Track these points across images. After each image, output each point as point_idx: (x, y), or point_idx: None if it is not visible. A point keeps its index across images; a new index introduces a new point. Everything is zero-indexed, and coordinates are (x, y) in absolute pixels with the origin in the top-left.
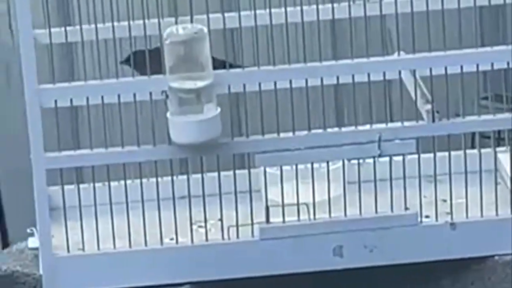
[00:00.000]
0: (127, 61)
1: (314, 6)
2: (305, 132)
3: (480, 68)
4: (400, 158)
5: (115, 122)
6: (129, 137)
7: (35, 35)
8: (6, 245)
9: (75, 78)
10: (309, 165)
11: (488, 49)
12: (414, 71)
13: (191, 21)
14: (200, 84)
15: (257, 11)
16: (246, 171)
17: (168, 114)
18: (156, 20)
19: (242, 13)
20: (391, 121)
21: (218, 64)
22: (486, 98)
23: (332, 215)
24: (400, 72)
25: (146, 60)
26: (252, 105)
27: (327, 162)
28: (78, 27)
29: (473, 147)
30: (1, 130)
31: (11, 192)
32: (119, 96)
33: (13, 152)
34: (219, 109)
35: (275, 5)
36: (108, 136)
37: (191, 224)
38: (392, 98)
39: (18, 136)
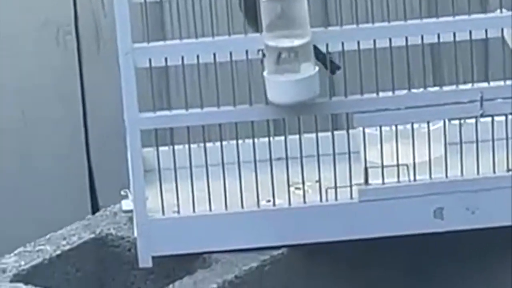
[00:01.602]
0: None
1: None
2: (405, 92)
3: None
4: (502, 118)
5: (210, 81)
6: (224, 97)
7: None
8: (96, 208)
9: (165, 37)
10: (409, 126)
11: None
12: None
13: None
14: (297, 42)
15: None
16: (344, 131)
17: (264, 73)
18: None
19: None
20: (492, 80)
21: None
22: None
23: (433, 176)
24: (502, 30)
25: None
26: (350, 64)
27: (428, 122)
28: None
29: None
30: (90, 94)
31: (100, 155)
32: (214, 55)
33: (102, 115)
34: (317, 68)
35: None
36: (204, 96)
37: (288, 186)
38: (493, 57)
39: (105, 98)
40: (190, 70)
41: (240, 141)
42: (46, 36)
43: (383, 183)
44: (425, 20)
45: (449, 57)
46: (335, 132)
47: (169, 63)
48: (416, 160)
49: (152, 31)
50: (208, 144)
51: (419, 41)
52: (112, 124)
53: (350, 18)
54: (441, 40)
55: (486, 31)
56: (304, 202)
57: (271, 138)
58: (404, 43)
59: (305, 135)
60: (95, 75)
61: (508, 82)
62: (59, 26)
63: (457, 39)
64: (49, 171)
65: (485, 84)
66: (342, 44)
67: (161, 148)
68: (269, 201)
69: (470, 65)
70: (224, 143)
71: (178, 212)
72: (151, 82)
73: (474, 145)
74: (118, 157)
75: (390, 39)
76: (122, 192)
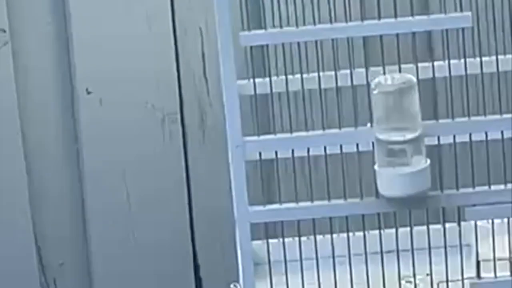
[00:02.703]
0: None
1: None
2: None
3: None
4: None
5: (319, 174)
6: (335, 190)
7: (238, 86)
8: None
9: (274, 130)
10: None
11: None
12: None
13: (399, 71)
14: (408, 135)
15: (467, 60)
16: (455, 224)
17: (375, 166)
18: (363, 70)
19: (451, 61)
20: None
21: None
22: None
23: None
24: None
25: None
26: (461, 156)
27: None
28: (281, 77)
29: None
30: (195, 184)
31: (206, 246)
32: (325, 148)
33: (207, 205)
34: (428, 161)
35: (484, 53)
36: (314, 189)
37: (399, 279)
38: None
39: (210, 187)
40: (300, 162)
41: (350, 234)
42: (152, 123)
43: (496, 277)
44: None
45: None
46: (446, 225)
47: (279, 156)
48: None
49: (260, 123)
50: (318, 237)
51: None
52: (218, 215)
53: (461, 110)
54: None
55: None
56: None
57: (381, 231)
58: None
59: (416, 228)
60: (200, 164)
61: None
62: (164, 114)
63: None
64: (154, 261)
65: None
66: (454, 137)
67: (270, 241)
68: None
69: None
70: (334, 236)
71: None
72: (261, 174)
73: None
74: (225, 249)
75: (502, 132)
76: (232, 286)
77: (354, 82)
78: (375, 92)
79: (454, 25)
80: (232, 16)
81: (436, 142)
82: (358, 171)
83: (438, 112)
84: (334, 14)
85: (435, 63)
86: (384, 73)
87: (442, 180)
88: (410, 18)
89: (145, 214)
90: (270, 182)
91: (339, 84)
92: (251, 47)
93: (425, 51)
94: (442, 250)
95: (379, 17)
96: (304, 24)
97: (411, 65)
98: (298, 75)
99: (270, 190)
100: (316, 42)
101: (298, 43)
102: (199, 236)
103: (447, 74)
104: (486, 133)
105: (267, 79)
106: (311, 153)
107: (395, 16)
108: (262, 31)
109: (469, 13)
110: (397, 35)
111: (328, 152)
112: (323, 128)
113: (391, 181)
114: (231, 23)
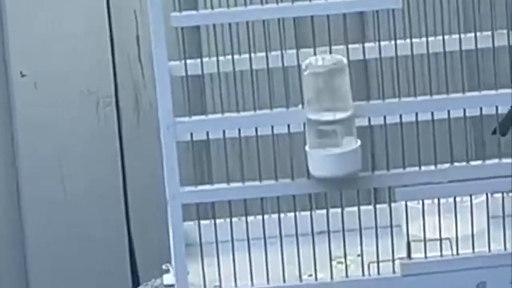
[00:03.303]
0: None
1: (456, 36)
2: (447, 165)
3: None
4: None
5: (251, 155)
6: (266, 171)
7: (170, 67)
8: (137, 283)
9: (206, 111)
10: (451, 199)
11: None
12: None
13: (330, 52)
14: (339, 116)
15: (398, 41)
16: (386, 205)
17: (306, 147)
18: (294, 51)
19: (382, 43)
20: None
21: None
22: None
23: (476, 250)
24: None
25: None
26: (392, 137)
27: (470, 196)
28: (213, 58)
29: None
30: (130, 167)
31: (141, 228)
32: (256, 129)
33: (142, 187)
34: (359, 142)
35: (415, 35)
36: (245, 170)
37: (330, 260)
38: None
39: (145, 170)
40: (231, 143)
41: (282, 215)
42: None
43: (426, 257)
44: (467, 94)
45: (490, 130)
46: (377, 206)
47: (210, 137)
48: (459, 234)
49: (193, 104)
50: (250, 218)
51: (461, 114)
52: (152, 197)
53: (392, 92)
54: (484, 112)
55: None
56: (346, 276)
57: (313, 212)
58: (446, 116)
59: (347, 209)
60: (135, 146)
61: None
62: (99, 97)
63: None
64: (89, 244)
65: None
66: (384, 117)
67: (202, 222)
68: (310, 275)
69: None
70: (265, 216)
71: (220, 286)
72: (193, 155)
73: None
74: (159, 230)
75: (432, 113)
76: (164, 267)
77: (285, 64)
78: (305, 73)
79: (383, 6)
80: None
81: (367, 123)
82: (289, 152)
83: (370, 94)
84: None
85: (366, 45)
86: (315, 54)
87: (374, 161)
88: None
89: (80, 198)
90: (202, 163)
91: (270, 65)
92: (182, 28)
93: (358, 33)
94: (373, 230)
95: None
96: (236, 5)
97: (342, 47)
98: (230, 57)
99: (202, 171)
100: (247, 23)
101: (230, 24)
102: (134, 219)
103: (378, 56)
104: (416, 114)
105: (200, 60)
106: (242, 134)
107: None
108: (194, 12)
109: None
110: (328, 16)
111: (259, 133)
112: (255, 109)
113: (322, 162)
114: (164, 5)
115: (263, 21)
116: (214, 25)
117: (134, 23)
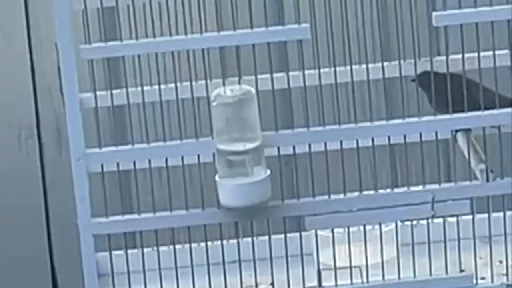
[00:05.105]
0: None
1: (364, 66)
2: (357, 194)
3: None
4: (454, 219)
5: (163, 185)
6: (177, 201)
7: (82, 98)
8: None
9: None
10: (361, 227)
11: None
12: (468, 130)
13: (239, 82)
14: (248, 146)
15: (306, 72)
16: (297, 234)
17: (216, 177)
18: (203, 82)
19: (291, 73)
20: (445, 181)
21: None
22: None
23: (386, 278)
24: (452, 132)
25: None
26: (301, 166)
27: (380, 224)
28: (124, 90)
29: None
30: (52, 197)
31: (63, 257)
32: (166, 159)
33: (64, 219)
34: (268, 172)
35: (324, 65)
36: (157, 200)
37: None
38: (446, 158)
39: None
40: (142, 173)
41: (193, 245)
42: (8, 138)
43: (336, 285)
44: (375, 123)
45: (401, 158)
46: (288, 235)
47: (121, 168)
48: (369, 262)
49: (111, 136)
50: (162, 248)
51: (370, 143)
52: (74, 228)
53: (302, 120)
54: (393, 141)
55: (436, 133)
56: None
57: (224, 241)
58: (355, 145)
59: (259, 238)
60: (57, 178)
61: (459, 183)
62: (21, 129)
63: (408, 140)
64: (13, 277)
65: (436, 186)
66: (294, 147)
67: (115, 252)
68: None
69: (421, 166)
70: (177, 246)
71: None
72: (103, 186)
73: (427, 246)
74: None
75: (341, 142)
76: None
77: (195, 94)
78: (214, 103)
79: (293, 37)
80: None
81: (276, 153)
82: (199, 182)
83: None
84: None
85: (290, 74)
86: (224, 84)
87: (283, 190)
88: (249, 30)
89: (3, 230)
90: (127, 193)
91: (180, 96)
92: (92, 60)
93: (281, 63)
94: (284, 259)
95: (219, 30)
96: (162, 35)
97: (251, 77)
98: (147, 87)
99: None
100: (156, 54)
101: (139, 56)
102: (56, 249)
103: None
104: (325, 144)
105: (117, 90)
106: (153, 165)
107: (234, 28)
108: (102, 44)
109: (307, 25)
110: (237, 46)
111: (170, 163)
112: (164, 140)
113: (232, 191)
114: (75, 37)
115: (172, 52)
116: (123, 57)
117: (55, 55)
